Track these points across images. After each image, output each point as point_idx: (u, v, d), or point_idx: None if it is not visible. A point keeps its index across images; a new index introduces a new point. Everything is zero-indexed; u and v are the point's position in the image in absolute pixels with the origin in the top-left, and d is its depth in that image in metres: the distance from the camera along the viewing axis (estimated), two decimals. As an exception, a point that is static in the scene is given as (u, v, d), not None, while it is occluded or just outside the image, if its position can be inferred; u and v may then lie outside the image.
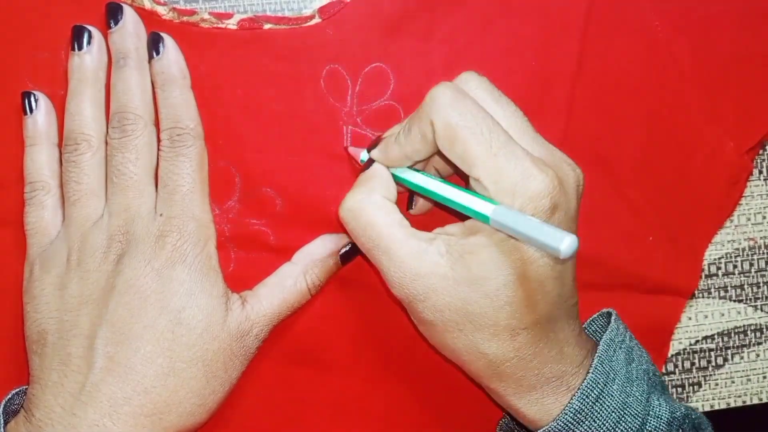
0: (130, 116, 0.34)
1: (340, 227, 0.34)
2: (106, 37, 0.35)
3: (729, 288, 0.41)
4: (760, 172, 0.41)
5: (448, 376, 0.38)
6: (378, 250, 0.31)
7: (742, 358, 0.42)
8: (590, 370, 0.31)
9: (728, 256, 0.41)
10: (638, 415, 0.31)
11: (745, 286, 0.41)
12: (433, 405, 0.39)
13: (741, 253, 0.41)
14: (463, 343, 0.31)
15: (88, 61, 0.35)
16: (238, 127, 0.36)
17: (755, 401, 0.42)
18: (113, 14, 0.35)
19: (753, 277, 0.41)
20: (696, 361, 0.42)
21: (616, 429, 0.31)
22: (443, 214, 0.37)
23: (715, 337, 0.42)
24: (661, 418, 0.31)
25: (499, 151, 0.29)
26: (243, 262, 0.37)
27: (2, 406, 0.33)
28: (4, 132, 0.36)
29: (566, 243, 0.26)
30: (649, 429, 0.31)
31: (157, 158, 0.35)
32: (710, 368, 0.42)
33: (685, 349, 0.41)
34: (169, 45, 0.35)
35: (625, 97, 0.38)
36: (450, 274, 0.30)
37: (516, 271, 0.29)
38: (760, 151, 0.40)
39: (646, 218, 0.39)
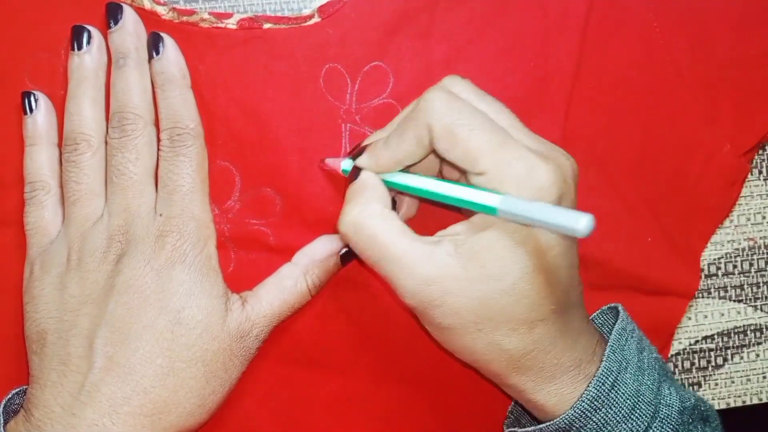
0: (130, 116, 0.34)
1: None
2: (106, 37, 0.35)
3: (729, 288, 0.41)
4: (760, 172, 0.41)
5: (448, 376, 0.38)
6: (385, 261, 0.31)
7: (741, 358, 0.42)
8: (604, 358, 0.31)
9: (728, 256, 0.41)
10: (651, 403, 0.31)
11: (745, 286, 0.41)
12: (433, 405, 0.39)
13: (741, 253, 0.41)
14: (483, 343, 0.31)
15: (87, 61, 0.35)
16: (238, 127, 0.36)
17: (755, 401, 0.42)
18: (113, 14, 0.35)
19: (753, 277, 0.41)
20: (696, 361, 0.42)
21: (632, 416, 0.31)
22: (436, 216, 0.36)
23: (715, 337, 0.42)
24: (672, 407, 0.32)
25: (502, 145, 0.29)
26: (243, 262, 0.37)
27: (2, 406, 0.33)
28: (4, 132, 0.36)
29: (584, 221, 0.26)
30: (662, 417, 0.31)
31: (157, 158, 0.35)
32: (710, 368, 0.42)
33: (684, 349, 0.41)
34: (169, 45, 0.35)
35: (624, 98, 0.38)
36: (462, 274, 0.30)
37: (532, 261, 0.29)
38: (760, 151, 0.40)
39: (643, 219, 0.39)
